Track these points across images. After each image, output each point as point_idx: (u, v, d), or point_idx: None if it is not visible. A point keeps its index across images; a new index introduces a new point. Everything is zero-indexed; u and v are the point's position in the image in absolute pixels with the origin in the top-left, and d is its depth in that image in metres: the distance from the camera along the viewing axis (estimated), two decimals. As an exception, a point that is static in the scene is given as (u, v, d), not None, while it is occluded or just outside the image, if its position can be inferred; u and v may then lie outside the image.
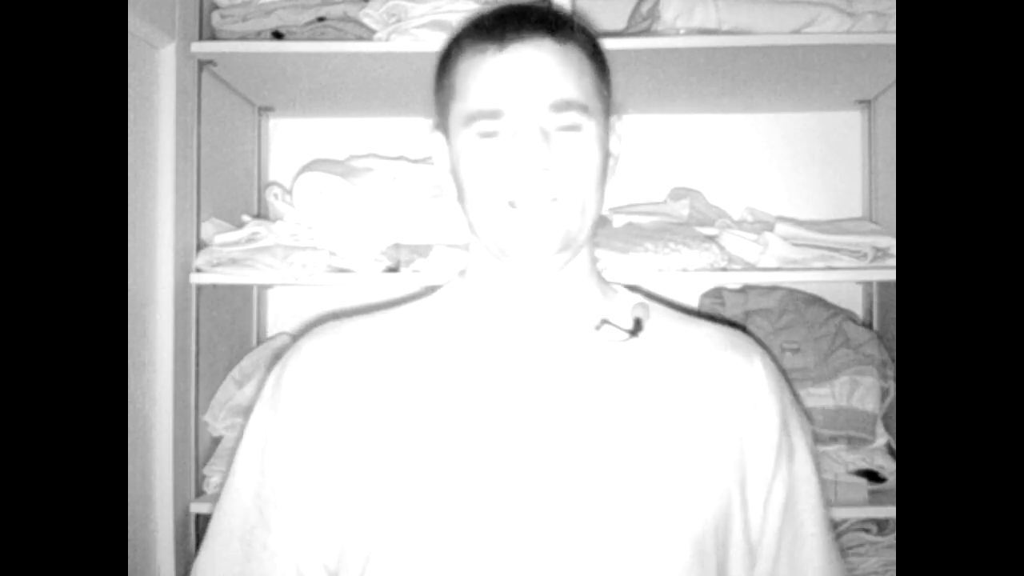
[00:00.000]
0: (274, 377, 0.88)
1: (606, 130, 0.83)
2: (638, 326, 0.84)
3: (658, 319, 0.87)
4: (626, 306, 0.86)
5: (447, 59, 0.85)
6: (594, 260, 0.88)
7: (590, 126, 0.79)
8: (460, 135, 0.80)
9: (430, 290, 0.93)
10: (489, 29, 0.80)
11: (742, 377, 0.84)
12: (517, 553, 0.75)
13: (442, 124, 0.86)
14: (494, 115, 0.78)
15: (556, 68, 0.78)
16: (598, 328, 0.83)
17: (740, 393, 0.83)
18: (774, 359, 0.91)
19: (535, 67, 0.78)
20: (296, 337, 0.93)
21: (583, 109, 0.78)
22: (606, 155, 0.83)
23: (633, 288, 0.91)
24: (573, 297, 0.84)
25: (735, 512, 0.81)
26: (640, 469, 0.78)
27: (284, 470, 0.83)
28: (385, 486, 0.79)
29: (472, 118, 0.79)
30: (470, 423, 0.79)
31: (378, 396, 0.82)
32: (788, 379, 0.93)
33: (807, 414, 1.32)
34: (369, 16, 1.29)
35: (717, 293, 1.46)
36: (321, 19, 1.30)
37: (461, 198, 0.84)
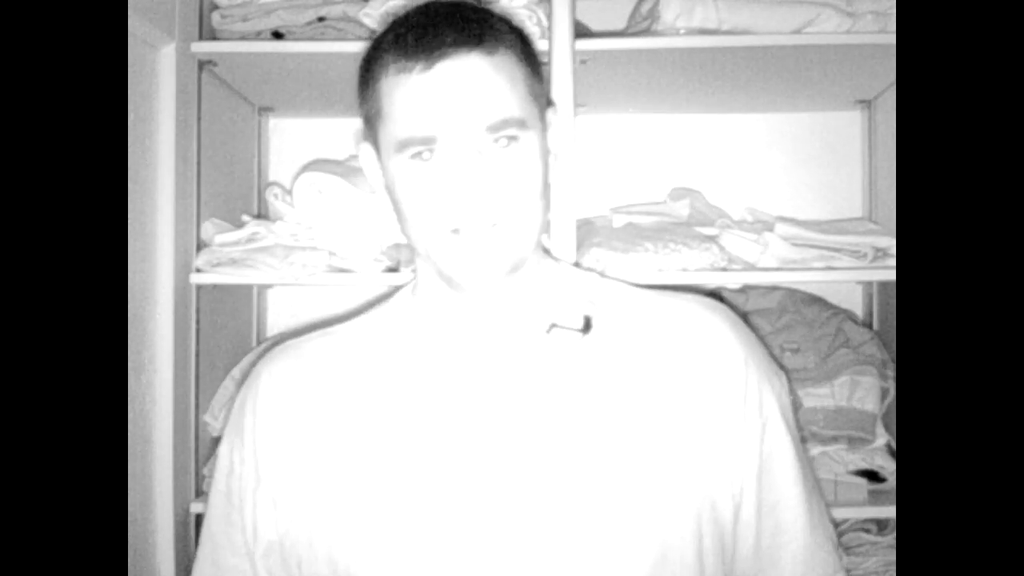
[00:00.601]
0: (237, 405, 0.88)
1: (543, 131, 0.80)
2: (587, 324, 0.82)
3: (613, 308, 0.84)
4: (576, 303, 0.84)
5: (368, 73, 0.79)
6: (544, 259, 0.85)
7: (528, 136, 0.76)
8: (392, 159, 0.77)
9: (381, 298, 0.92)
10: (412, 44, 0.74)
11: (705, 350, 0.81)
12: (477, 560, 0.75)
13: (371, 139, 0.82)
14: (427, 142, 0.74)
15: (489, 84, 0.74)
16: (548, 332, 0.81)
17: (704, 368, 0.80)
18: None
19: (466, 86, 0.73)
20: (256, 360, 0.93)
21: (520, 124, 0.75)
22: (546, 160, 0.80)
23: (588, 269, 0.89)
24: (522, 304, 0.82)
25: (709, 494, 0.78)
26: (597, 469, 0.76)
27: (249, 496, 0.84)
28: (348, 502, 0.79)
29: (404, 144, 0.75)
30: (428, 436, 0.79)
31: (337, 414, 0.82)
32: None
33: (810, 412, 1.32)
34: (369, 16, 1.29)
35: (717, 294, 1.46)
36: (321, 19, 1.30)
37: (400, 219, 0.80)
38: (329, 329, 0.90)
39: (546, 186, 0.79)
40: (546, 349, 0.81)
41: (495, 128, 0.74)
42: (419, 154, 0.75)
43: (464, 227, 0.75)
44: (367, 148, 0.83)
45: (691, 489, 0.78)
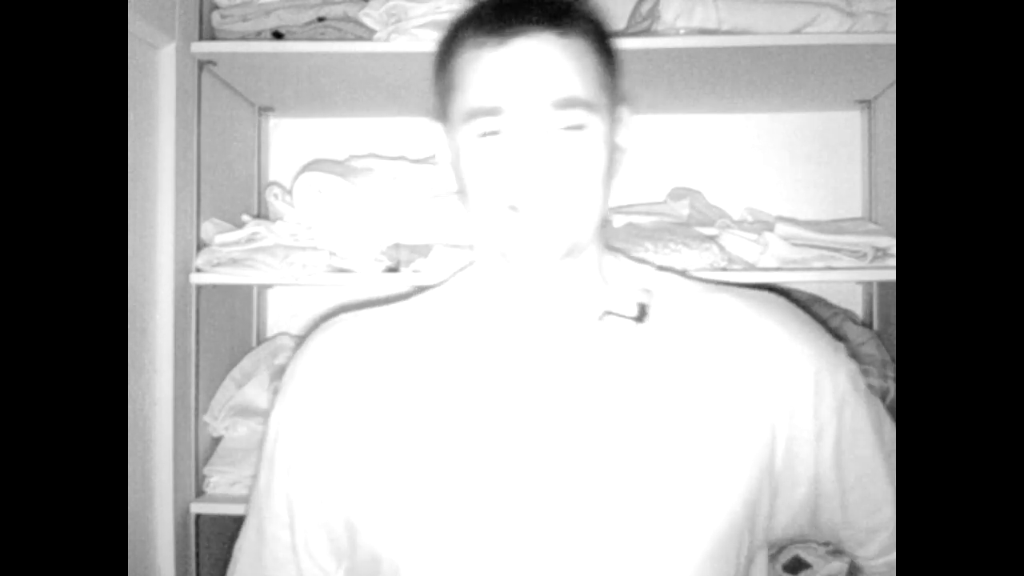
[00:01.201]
0: (288, 373, 0.89)
1: (612, 124, 0.80)
2: (642, 312, 0.82)
3: (668, 299, 0.84)
4: (631, 292, 0.84)
5: (446, 50, 0.82)
6: (602, 249, 0.86)
7: (595, 123, 0.76)
8: (460, 131, 0.78)
9: (439, 283, 0.92)
10: (489, 21, 0.76)
11: (761, 346, 0.81)
12: (529, 549, 0.75)
13: (442, 116, 0.83)
14: (493, 112, 0.75)
15: (559, 64, 0.75)
16: (601, 319, 0.82)
17: (761, 363, 0.80)
18: (813, 315, 0.87)
19: (537, 63, 0.75)
20: (302, 335, 0.93)
21: (587, 106, 0.75)
22: (612, 151, 0.80)
23: (643, 261, 0.89)
24: (578, 290, 0.83)
25: (763, 485, 0.79)
26: (649, 460, 0.76)
27: (293, 466, 0.85)
28: (394, 483, 0.79)
29: (471, 115, 0.76)
30: (478, 419, 0.79)
31: (386, 392, 0.83)
32: (833, 330, 0.88)
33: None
34: (369, 16, 1.29)
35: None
36: (321, 19, 1.30)
37: (463, 195, 0.81)
38: (385, 307, 0.91)
39: (609, 178, 0.79)
40: (599, 336, 0.81)
41: (561, 105, 0.74)
42: (487, 132, 0.76)
43: (523, 205, 0.76)
44: (438, 128, 0.84)
45: (742, 481, 0.78)
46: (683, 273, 0.90)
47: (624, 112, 0.84)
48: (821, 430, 0.81)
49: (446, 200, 1.32)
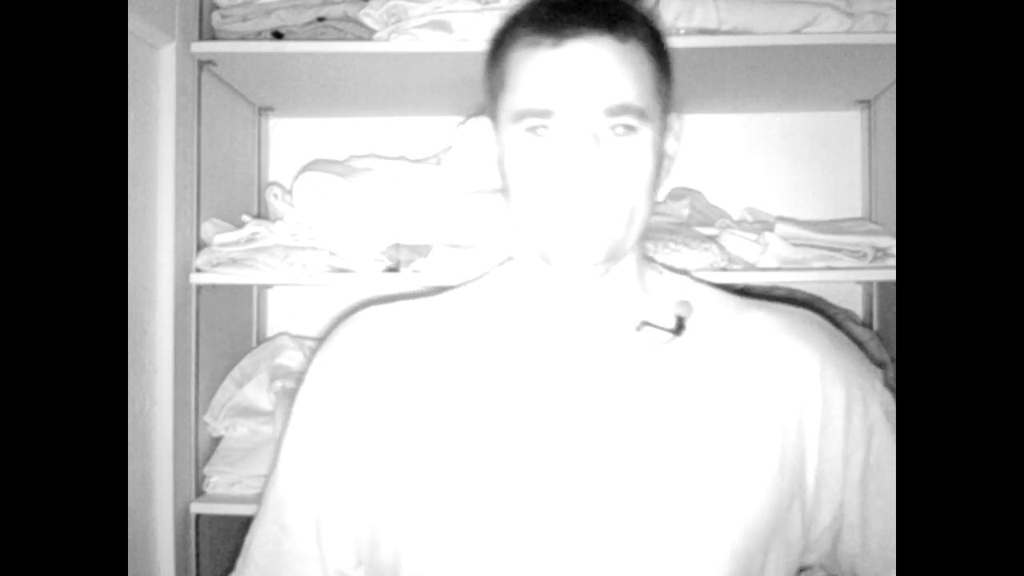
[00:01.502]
0: (312, 366, 0.88)
1: (663, 131, 0.79)
2: (680, 325, 0.81)
3: (705, 312, 0.83)
4: (669, 304, 0.83)
5: (499, 46, 0.80)
6: (642, 259, 0.85)
7: (645, 130, 0.75)
8: (508, 129, 0.77)
9: (472, 279, 0.91)
10: (545, 20, 0.75)
11: (795, 366, 0.80)
12: (551, 556, 0.74)
13: (492, 112, 0.82)
14: (544, 115, 0.74)
15: (614, 69, 0.73)
16: (638, 330, 0.81)
17: (794, 384, 0.79)
18: (847, 333, 0.86)
19: (591, 66, 0.73)
20: (320, 336, 0.92)
21: (639, 113, 0.74)
22: (660, 158, 0.78)
23: (682, 272, 0.88)
24: (616, 299, 0.82)
25: (792, 507, 0.78)
26: (676, 475, 0.75)
27: (317, 461, 0.84)
28: (420, 486, 0.78)
29: (521, 115, 0.75)
30: (508, 425, 0.78)
31: (414, 391, 0.81)
32: (868, 351, 0.87)
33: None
34: (369, 16, 1.29)
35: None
36: (321, 19, 1.30)
37: (506, 192, 0.80)
38: (414, 301, 0.89)
39: (655, 185, 0.78)
40: (635, 347, 0.80)
41: (613, 112, 0.73)
42: (534, 128, 0.75)
43: (566, 207, 0.75)
44: (487, 123, 0.83)
45: (772, 503, 0.77)
46: (721, 286, 0.89)
47: (674, 119, 0.83)
48: (850, 454, 0.80)
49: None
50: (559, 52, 0.74)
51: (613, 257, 0.77)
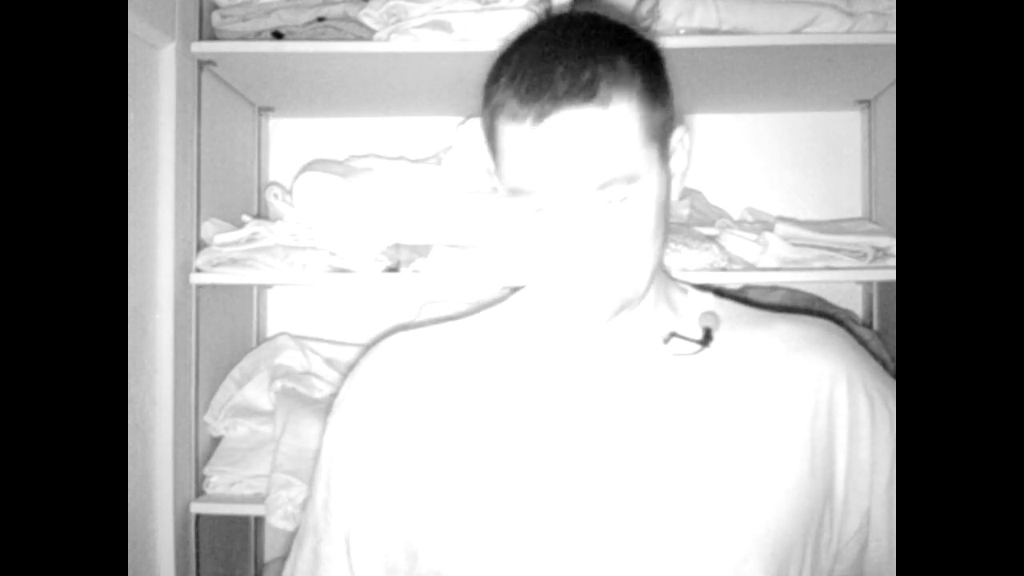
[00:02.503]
0: (342, 391, 0.89)
1: (662, 175, 0.76)
2: (708, 337, 0.81)
3: (729, 325, 0.83)
4: (694, 315, 0.83)
5: (488, 99, 0.76)
6: (665, 281, 0.85)
7: (641, 189, 0.73)
8: (506, 195, 0.76)
9: (496, 300, 0.91)
10: (525, 92, 0.71)
11: (823, 375, 0.80)
12: (588, 571, 0.74)
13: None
14: (531, 194, 0.73)
15: (598, 142, 0.70)
16: (666, 341, 0.81)
17: (822, 392, 0.80)
18: (864, 344, 0.86)
19: (574, 143, 0.70)
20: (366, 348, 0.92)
21: (630, 179, 0.72)
22: (663, 202, 0.76)
23: (703, 287, 0.88)
24: (641, 318, 0.81)
25: (824, 516, 0.79)
26: (712, 487, 0.76)
27: (347, 484, 0.85)
28: (456, 506, 0.79)
29: (513, 192, 0.74)
30: (541, 442, 0.78)
31: (446, 414, 0.82)
32: (868, 351, 0.88)
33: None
34: (369, 16, 1.29)
35: (707, 287, 1.45)
36: (321, 19, 1.30)
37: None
38: (442, 325, 0.90)
39: (662, 232, 0.77)
40: (663, 358, 0.81)
41: (604, 186, 0.71)
42: (528, 205, 0.74)
43: (569, 279, 0.74)
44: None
45: (802, 515, 0.77)
46: (741, 299, 0.90)
47: (677, 139, 0.80)
48: (876, 461, 0.80)
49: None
50: (541, 130, 0.70)
51: (624, 309, 0.77)
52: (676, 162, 0.81)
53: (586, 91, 0.70)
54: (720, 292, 0.89)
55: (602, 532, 0.75)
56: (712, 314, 0.83)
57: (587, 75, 0.70)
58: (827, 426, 0.79)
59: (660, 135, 0.76)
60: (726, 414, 0.78)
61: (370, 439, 0.84)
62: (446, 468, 0.80)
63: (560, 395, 0.80)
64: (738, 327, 0.84)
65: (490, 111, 0.76)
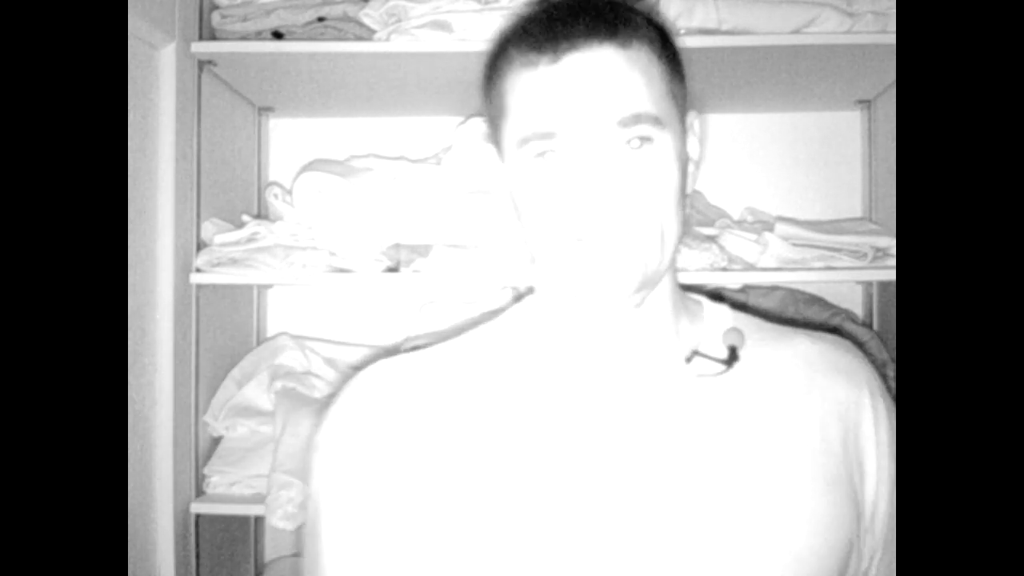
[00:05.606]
0: (324, 429, 0.78)
1: (682, 136, 0.72)
2: (733, 356, 0.74)
3: (750, 342, 0.77)
4: (717, 332, 0.77)
5: (493, 70, 0.73)
6: (677, 282, 0.78)
7: (663, 138, 0.68)
8: (515, 156, 0.70)
9: (487, 316, 0.82)
10: (539, 35, 0.68)
11: (848, 389, 0.77)
12: None
13: (495, 140, 0.75)
14: (548, 136, 0.67)
15: (621, 77, 0.67)
16: (689, 361, 0.74)
17: (849, 406, 0.76)
18: (875, 364, 0.83)
19: (595, 78, 0.66)
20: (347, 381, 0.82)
21: (655, 121, 0.67)
22: (684, 166, 0.72)
23: (717, 298, 0.82)
24: (657, 328, 0.75)
25: (852, 545, 0.74)
26: (745, 513, 0.69)
27: (342, 536, 0.74)
28: (463, 541, 0.70)
29: (525, 140, 0.68)
30: (553, 476, 0.70)
31: (441, 449, 0.72)
32: (868, 351, 0.87)
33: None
34: (369, 16, 1.29)
35: (717, 294, 1.46)
36: (321, 19, 1.30)
37: (520, 223, 0.73)
38: (434, 348, 0.80)
39: (683, 196, 0.71)
40: (684, 379, 0.74)
41: (627, 123, 0.66)
42: (542, 153, 0.68)
43: (588, 235, 0.67)
44: (491, 151, 0.76)
45: (830, 541, 0.72)
46: (753, 309, 0.86)
47: (692, 119, 0.76)
48: (889, 487, 0.78)
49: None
50: (558, 68, 0.67)
51: (647, 285, 0.70)
52: (691, 145, 0.76)
53: (605, 31, 0.67)
54: (720, 296, 0.86)
55: (617, 567, 0.68)
56: (736, 331, 0.77)
57: (606, 18, 0.68)
58: (855, 439, 0.76)
59: (678, 101, 0.72)
60: (757, 436, 0.72)
61: (360, 486, 0.74)
62: (449, 514, 0.70)
63: (574, 423, 0.72)
64: (759, 344, 0.77)
65: (500, 71, 0.72)
